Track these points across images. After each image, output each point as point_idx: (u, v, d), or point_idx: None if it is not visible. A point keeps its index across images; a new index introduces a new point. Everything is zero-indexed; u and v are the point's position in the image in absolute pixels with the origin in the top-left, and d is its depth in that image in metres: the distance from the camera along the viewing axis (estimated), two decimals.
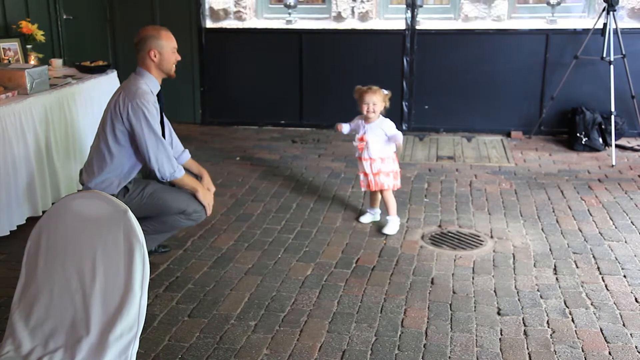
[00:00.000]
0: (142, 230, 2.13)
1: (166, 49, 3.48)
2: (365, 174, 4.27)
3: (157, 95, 3.52)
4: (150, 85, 3.48)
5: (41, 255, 2.18)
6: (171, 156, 3.48)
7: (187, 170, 3.80)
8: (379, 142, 4.20)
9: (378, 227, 4.26)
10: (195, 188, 3.57)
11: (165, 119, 3.60)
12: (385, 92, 4.20)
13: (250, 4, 7.24)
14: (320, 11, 7.31)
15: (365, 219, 4.38)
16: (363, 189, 4.39)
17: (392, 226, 4.22)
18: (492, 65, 6.46)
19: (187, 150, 3.89)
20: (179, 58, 3.57)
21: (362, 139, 4.22)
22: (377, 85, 4.21)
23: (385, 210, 4.32)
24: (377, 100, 4.14)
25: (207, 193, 3.61)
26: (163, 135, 3.51)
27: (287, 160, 5.78)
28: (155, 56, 3.46)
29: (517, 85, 6.47)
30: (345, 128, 4.35)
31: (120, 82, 5.37)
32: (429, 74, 6.56)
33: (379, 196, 4.36)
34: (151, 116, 3.37)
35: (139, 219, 2.18)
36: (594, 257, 3.82)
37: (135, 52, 3.50)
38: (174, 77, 3.61)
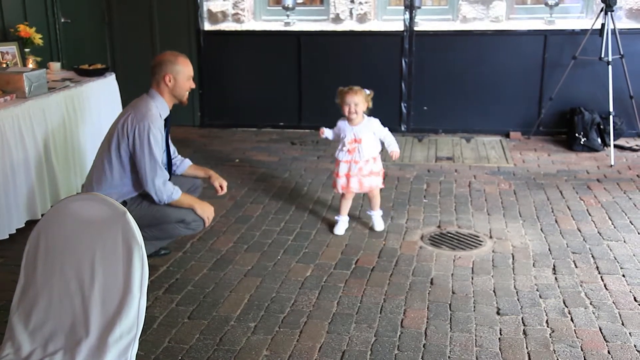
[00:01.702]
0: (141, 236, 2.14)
1: (181, 75, 3.51)
2: (348, 176, 4.16)
3: (165, 119, 3.55)
4: (160, 108, 3.51)
5: (40, 258, 2.18)
6: (167, 181, 3.51)
7: (193, 177, 3.90)
8: (370, 144, 4.14)
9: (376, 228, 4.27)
10: (192, 205, 3.60)
11: (169, 141, 3.65)
12: (367, 92, 4.10)
13: (248, 6, 7.24)
14: (318, 13, 7.32)
15: (340, 229, 4.22)
16: (341, 192, 4.21)
17: (380, 220, 4.24)
18: (490, 66, 6.47)
19: (187, 159, 3.93)
20: (194, 86, 3.62)
21: (356, 141, 4.10)
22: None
23: (369, 206, 4.30)
24: (358, 100, 4.03)
25: (205, 207, 3.64)
26: (169, 157, 3.57)
27: (286, 162, 5.78)
28: (170, 81, 3.49)
29: (515, 86, 6.48)
30: (328, 133, 4.24)
31: (119, 85, 5.40)
32: (428, 75, 6.57)
33: (351, 202, 4.28)
34: (155, 141, 3.41)
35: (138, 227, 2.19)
36: (592, 256, 3.82)
37: (150, 75, 3.53)
38: (186, 104, 3.66)
